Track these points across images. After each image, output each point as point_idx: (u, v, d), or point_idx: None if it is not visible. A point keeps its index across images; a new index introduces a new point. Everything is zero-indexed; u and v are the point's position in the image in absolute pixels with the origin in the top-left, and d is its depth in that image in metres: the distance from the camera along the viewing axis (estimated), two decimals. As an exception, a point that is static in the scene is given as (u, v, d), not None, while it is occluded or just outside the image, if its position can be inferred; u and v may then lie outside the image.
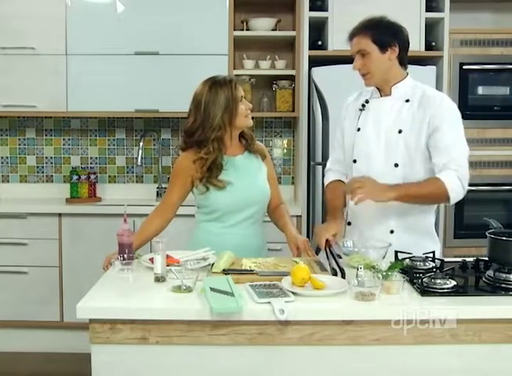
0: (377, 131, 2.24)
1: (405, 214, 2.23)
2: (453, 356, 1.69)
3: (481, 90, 3.51)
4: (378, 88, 2.27)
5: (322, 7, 3.51)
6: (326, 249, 2.07)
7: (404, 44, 2.21)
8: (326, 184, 2.45)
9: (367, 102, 2.29)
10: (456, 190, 2.10)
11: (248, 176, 2.29)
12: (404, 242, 2.19)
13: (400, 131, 2.20)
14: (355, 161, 2.27)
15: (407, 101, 2.22)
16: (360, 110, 2.29)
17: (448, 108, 2.18)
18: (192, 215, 2.38)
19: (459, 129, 2.18)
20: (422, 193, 2.12)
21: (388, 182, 2.12)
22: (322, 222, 3.35)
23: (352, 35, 2.20)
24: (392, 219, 2.23)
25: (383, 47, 2.15)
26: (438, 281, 1.78)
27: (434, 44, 3.55)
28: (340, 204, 2.33)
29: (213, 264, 1.97)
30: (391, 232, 2.24)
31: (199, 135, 2.21)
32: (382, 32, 2.16)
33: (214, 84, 2.23)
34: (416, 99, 2.21)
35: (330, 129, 3.27)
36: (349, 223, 2.32)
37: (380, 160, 2.22)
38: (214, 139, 2.20)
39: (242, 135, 2.32)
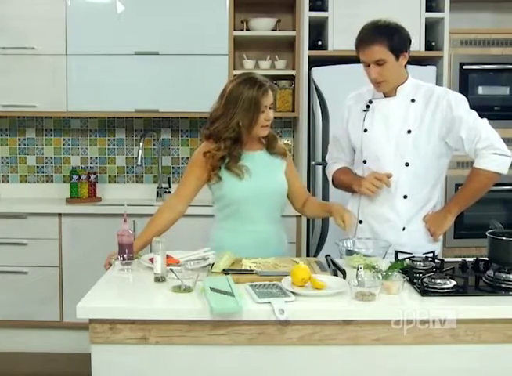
0: (386, 131, 2.24)
1: (417, 211, 2.26)
2: (453, 356, 1.69)
3: (481, 90, 3.51)
4: None
5: (322, 7, 3.51)
6: (326, 258, 2.08)
7: (409, 46, 2.21)
8: (333, 172, 2.42)
9: (371, 102, 2.29)
10: (502, 163, 2.14)
11: (265, 168, 2.25)
12: (416, 239, 2.25)
13: (409, 132, 2.21)
14: (365, 162, 2.28)
15: (413, 101, 2.23)
16: (364, 111, 2.29)
17: (454, 98, 2.21)
18: (201, 216, 2.36)
19: (472, 111, 2.21)
20: (473, 194, 2.22)
21: (400, 181, 2.21)
22: (322, 222, 3.35)
23: (366, 43, 2.13)
24: (403, 217, 2.25)
25: (398, 55, 2.15)
26: (438, 281, 1.78)
27: (434, 44, 3.55)
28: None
29: (213, 264, 1.97)
30: (403, 229, 2.26)
31: (218, 126, 2.17)
32: (397, 40, 2.14)
33: (246, 81, 2.17)
34: (421, 98, 2.23)
35: (330, 129, 3.26)
36: (360, 221, 2.32)
37: (390, 161, 2.23)
38: (228, 139, 2.16)
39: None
